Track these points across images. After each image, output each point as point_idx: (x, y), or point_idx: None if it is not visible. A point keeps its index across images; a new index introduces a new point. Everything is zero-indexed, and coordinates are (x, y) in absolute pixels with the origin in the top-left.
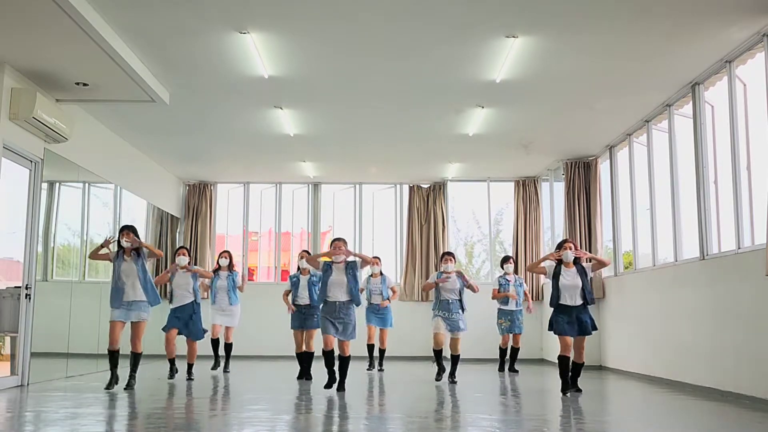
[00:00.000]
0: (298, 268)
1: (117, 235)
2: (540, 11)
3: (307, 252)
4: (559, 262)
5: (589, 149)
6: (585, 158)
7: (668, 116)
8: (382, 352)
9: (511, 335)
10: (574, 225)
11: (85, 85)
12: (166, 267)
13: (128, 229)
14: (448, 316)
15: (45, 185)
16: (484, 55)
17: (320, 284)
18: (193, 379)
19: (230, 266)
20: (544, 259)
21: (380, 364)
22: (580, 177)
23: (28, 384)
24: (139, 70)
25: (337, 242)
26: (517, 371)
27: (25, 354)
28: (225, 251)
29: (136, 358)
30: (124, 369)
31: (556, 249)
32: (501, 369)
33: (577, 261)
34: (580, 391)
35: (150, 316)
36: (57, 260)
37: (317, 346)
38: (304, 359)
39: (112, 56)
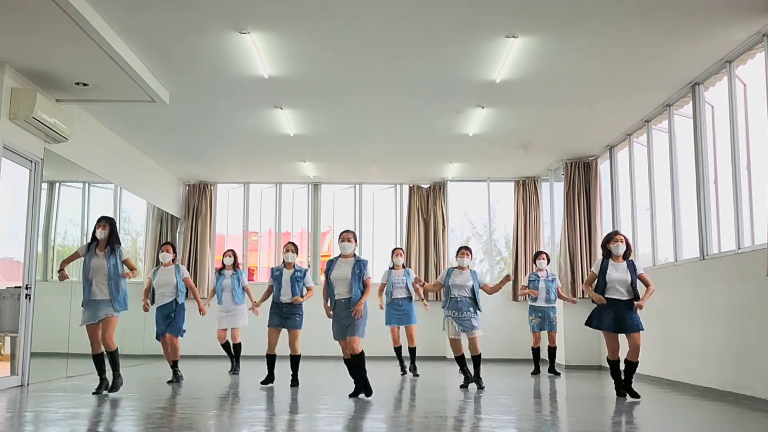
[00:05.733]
0: (283, 262)
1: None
2: (540, 11)
3: (293, 244)
4: (608, 255)
5: (589, 149)
6: (585, 158)
7: (668, 116)
8: (412, 351)
9: (544, 334)
10: (574, 225)
11: (85, 85)
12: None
13: (105, 221)
14: (459, 315)
15: (45, 185)
16: (484, 55)
17: (324, 282)
18: (180, 378)
19: (235, 265)
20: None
21: (413, 367)
22: (580, 177)
23: (28, 384)
24: (139, 70)
25: (347, 234)
26: (558, 374)
27: (25, 354)
28: (229, 250)
29: (113, 356)
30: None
31: (604, 242)
32: (536, 372)
33: (626, 256)
34: (638, 396)
35: (121, 312)
36: (57, 260)
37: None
38: (272, 362)
39: (112, 56)
